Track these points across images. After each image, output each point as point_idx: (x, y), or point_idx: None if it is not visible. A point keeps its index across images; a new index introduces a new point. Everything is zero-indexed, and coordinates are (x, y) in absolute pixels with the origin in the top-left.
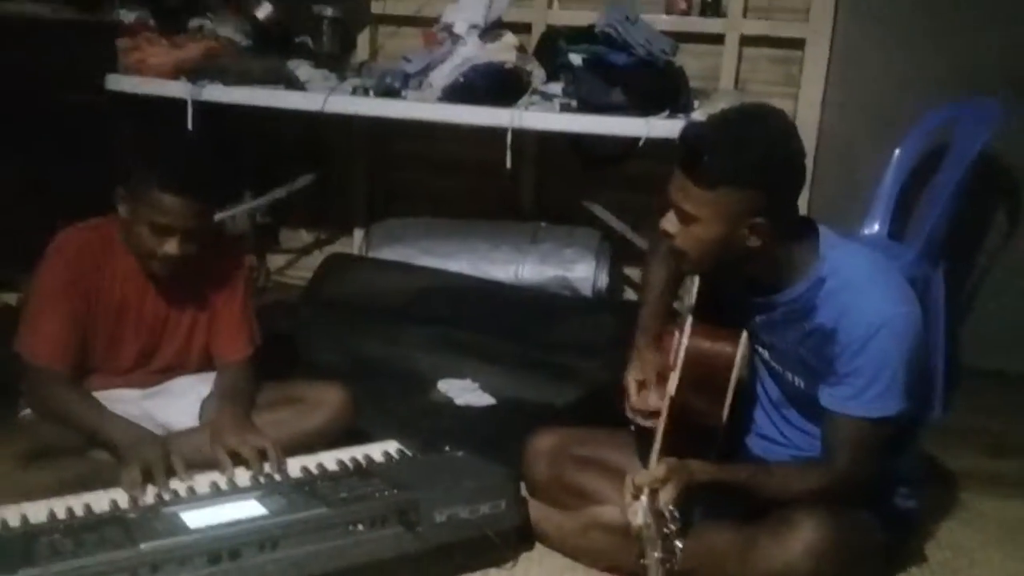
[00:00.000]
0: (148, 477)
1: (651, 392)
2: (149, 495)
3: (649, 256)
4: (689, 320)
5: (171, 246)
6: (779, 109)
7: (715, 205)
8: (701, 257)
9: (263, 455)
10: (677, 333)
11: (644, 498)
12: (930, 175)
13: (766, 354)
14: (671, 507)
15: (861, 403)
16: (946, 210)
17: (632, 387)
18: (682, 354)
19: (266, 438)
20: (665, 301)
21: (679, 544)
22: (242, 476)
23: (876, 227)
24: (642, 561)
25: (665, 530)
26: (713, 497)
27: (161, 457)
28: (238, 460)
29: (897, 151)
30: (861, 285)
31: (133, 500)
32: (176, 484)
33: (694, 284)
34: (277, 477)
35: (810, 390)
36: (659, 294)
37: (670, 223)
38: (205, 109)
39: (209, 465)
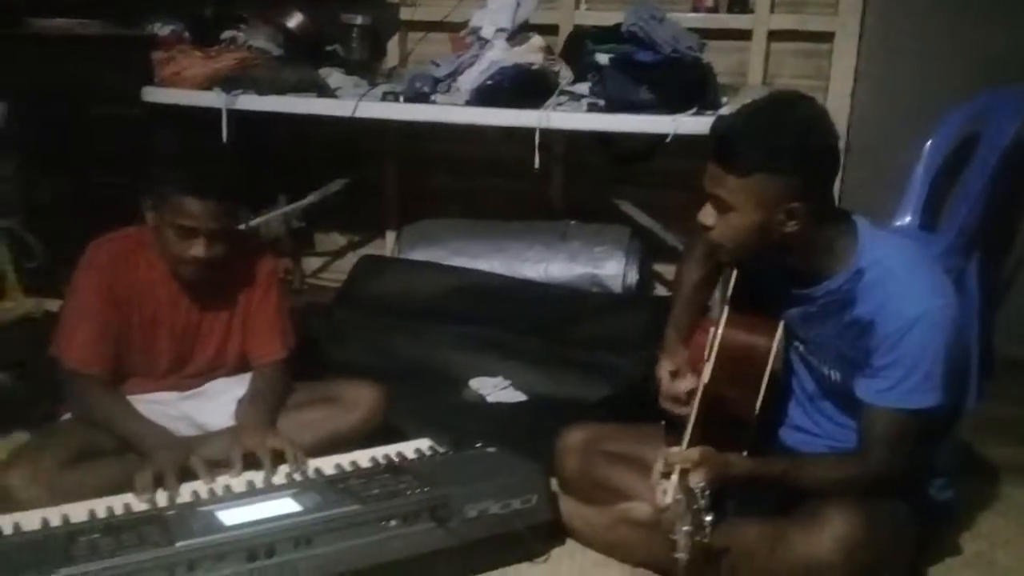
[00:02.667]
0: (161, 481)
1: (684, 379)
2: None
3: (684, 255)
4: (725, 311)
5: (198, 249)
6: (809, 95)
7: (750, 192)
8: (739, 246)
9: (281, 456)
10: (712, 329)
11: (674, 477)
12: (962, 165)
13: (802, 347)
14: (702, 484)
15: (898, 395)
16: (979, 200)
17: (665, 376)
18: (717, 344)
19: (285, 440)
20: (698, 299)
21: (708, 518)
22: (278, 474)
23: (908, 218)
24: (671, 536)
25: (695, 506)
26: (746, 492)
27: (177, 462)
28: (257, 462)
29: (928, 142)
30: (900, 276)
31: (148, 502)
32: (197, 486)
33: (732, 277)
34: (297, 477)
35: (846, 383)
36: (692, 291)
37: (707, 215)
38: (240, 118)
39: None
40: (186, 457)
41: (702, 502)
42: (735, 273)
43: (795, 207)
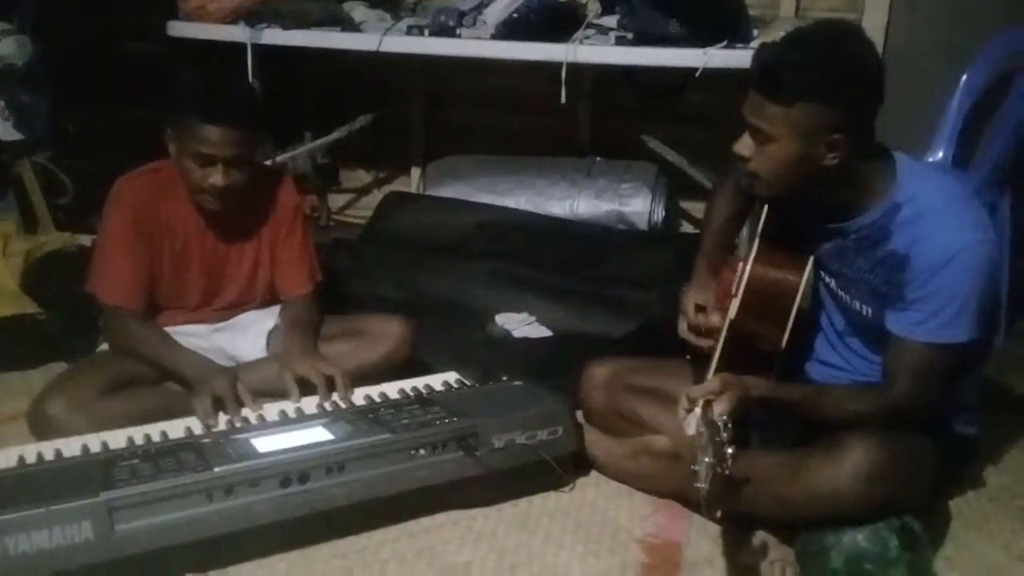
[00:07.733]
0: (219, 406)
1: (710, 313)
2: (221, 423)
3: (715, 190)
4: (755, 245)
5: (216, 177)
6: (856, 25)
7: (792, 122)
8: (777, 179)
9: (331, 383)
10: (741, 264)
11: (698, 409)
12: (998, 101)
13: (832, 283)
14: (724, 418)
15: (928, 329)
16: (1013, 137)
17: (690, 308)
18: (745, 278)
19: (334, 366)
20: (727, 234)
21: (730, 450)
22: (309, 404)
23: (940, 154)
24: (693, 467)
25: (717, 438)
26: (768, 424)
27: (230, 387)
28: (306, 388)
29: (964, 76)
30: (938, 212)
31: (207, 428)
32: (246, 412)
33: (763, 211)
34: (342, 404)
35: (877, 319)
36: (722, 227)
37: (744, 145)
38: (265, 53)
39: (278, 394)
40: (235, 383)
41: (724, 435)
42: (765, 208)
43: (837, 139)
